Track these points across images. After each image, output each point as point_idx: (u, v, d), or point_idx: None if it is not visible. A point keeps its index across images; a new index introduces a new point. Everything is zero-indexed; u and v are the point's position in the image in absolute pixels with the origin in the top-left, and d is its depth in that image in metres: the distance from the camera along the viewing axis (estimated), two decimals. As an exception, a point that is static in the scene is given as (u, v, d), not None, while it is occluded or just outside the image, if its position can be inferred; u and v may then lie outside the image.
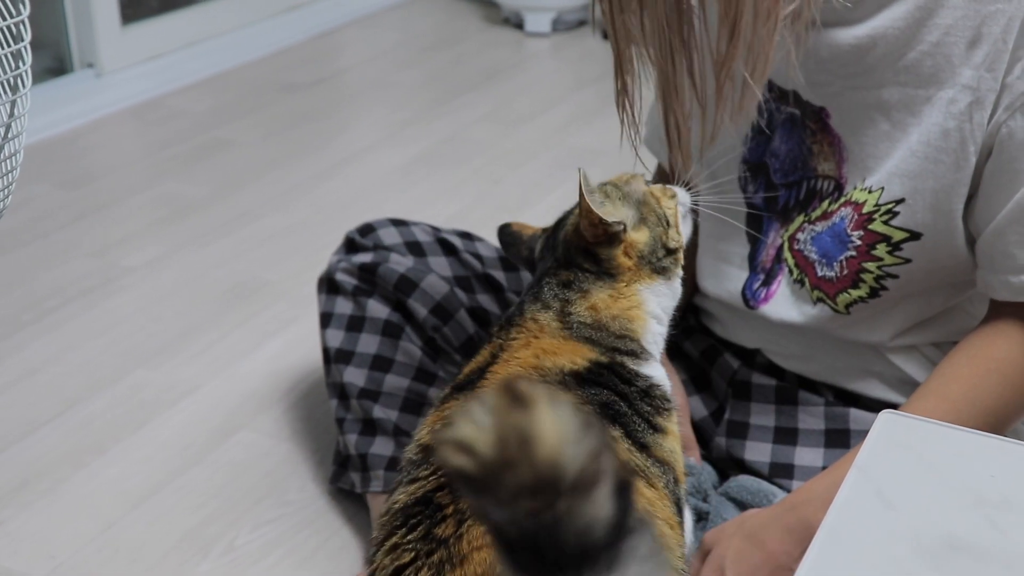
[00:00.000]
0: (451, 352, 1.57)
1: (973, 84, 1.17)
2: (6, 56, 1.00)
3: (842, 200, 1.29)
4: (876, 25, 1.21)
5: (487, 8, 3.99)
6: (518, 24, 3.82)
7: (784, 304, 1.36)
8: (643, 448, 1.12)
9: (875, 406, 1.35)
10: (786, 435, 1.40)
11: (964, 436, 0.88)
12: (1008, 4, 1.15)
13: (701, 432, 1.48)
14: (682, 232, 1.27)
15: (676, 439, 1.17)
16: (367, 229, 1.66)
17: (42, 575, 1.52)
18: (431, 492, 1.03)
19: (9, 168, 1.04)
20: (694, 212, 1.35)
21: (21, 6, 0.99)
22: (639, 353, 1.19)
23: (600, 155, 2.67)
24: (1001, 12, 1.15)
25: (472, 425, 0.59)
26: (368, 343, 1.56)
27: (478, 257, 1.64)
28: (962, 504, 0.80)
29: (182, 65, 3.35)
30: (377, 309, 1.57)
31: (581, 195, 1.17)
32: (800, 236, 1.33)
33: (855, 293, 1.29)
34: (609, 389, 1.14)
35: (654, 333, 1.22)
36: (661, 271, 1.22)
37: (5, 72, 1.00)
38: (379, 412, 1.53)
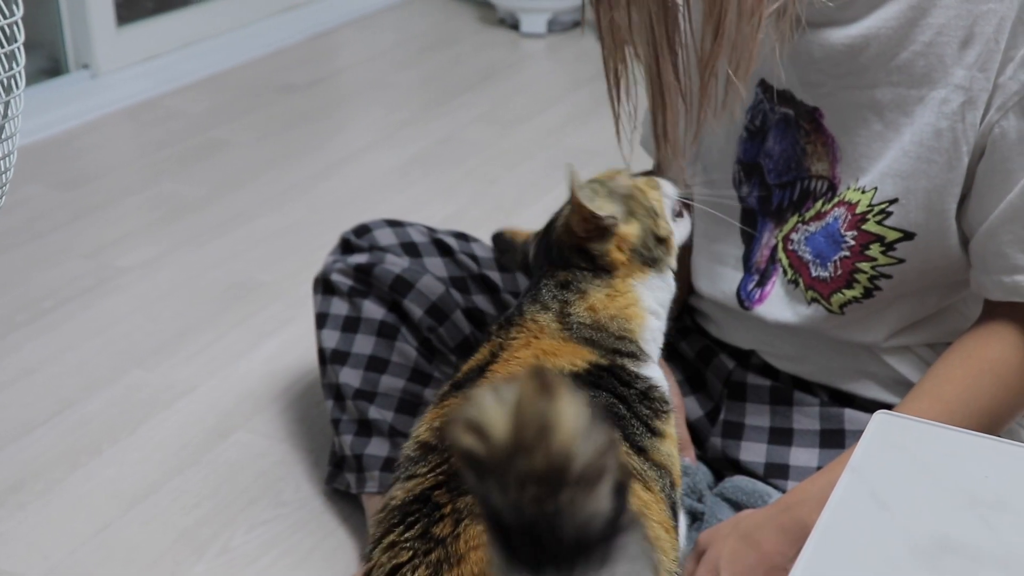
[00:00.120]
0: (447, 353, 1.57)
1: (965, 84, 1.17)
2: (0, 57, 1.00)
3: (835, 200, 1.29)
4: (869, 25, 1.22)
5: (483, 9, 3.99)
6: (514, 25, 3.82)
7: (779, 305, 1.36)
8: (641, 452, 1.12)
9: (870, 407, 1.35)
10: (781, 435, 1.40)
11: (958, 437, 0.88)
12: (1000, 4, 1.15)
13: (696, 432, 1.48)
14: (677, 229, 1.27)
15: (673, 442, 1.17)
16: (363, 230, 1.66)
17: (37, 576, 1.52)
18: (429, 490, 1.02)
19: (3, 169, 1.04)
20: (688, 209, 1.36)
21: (14, 7, 0.99)
22: (638, 355, 1.19)
23: (596, 155, 2.67)
24: (993, 12, 1.15)
25: (487, 408, 0.60)
26: (364, 344, 1.56)
27: (474, 258, 1.64)
28: (956, 505, 0.80)
29: (178, 66, 3.35)
30: (373, 310, 1.57)
31: (572, 191, 1.18)
32: (794, 236, 1.33)
33: (849, 293, 1.29)
34: (608, 392, 1.14)
35: (652, 330, 1.22)
36: (653, 263, 1.22)
37: (-1, 73, 1.00)
38: (375, 413, 1.53)
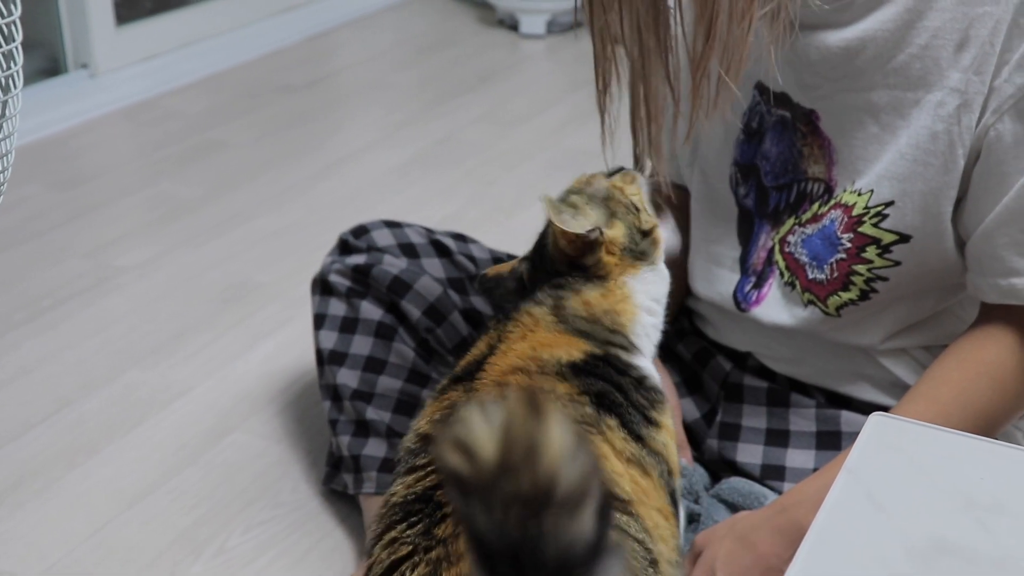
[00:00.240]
0: (444, 354, 1.57)
1: (961, 87, 1.18)
2: (-2, 57, 1.00)
3: (832, 203, 1.29)
4: (865, 28, 1.22)
5: (482, 10, 3.99)
6: (513, 26, 3.83)
7: (775, 307, 1.36)
8: (638, 439, 1.13)
9: (866, 409, 1.35)
10: (777, 437, 1.40)
11: (954, 439, 0.88)
12: (995, 7, 1.15)
13: (693, 434, 1.48)
14: (663, 228, 1.28)
15: (669, 433, 1.18)
16: (361, 231, 1.66)
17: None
18: (431, 489, 1.03)
19: (1, 168, 1.04)
20: (683, 206, 1.37)
21: (12, 7, 0.99)
22: (628, 348, 1.20)
23: (594, 156, 2.65)
24: (988, 15, 1.16)
25: (474, 428, 0.60)
26: (361, 345, 1.56)
27: (471, 259, 1.65)
28: (952, 507, 0.80)
29: (176, 66, 3.35)
30: (370, 311, 1.57)
31: (549, 221, 1.19)
32: (790, 239, 1.33)
33: (845, 295, 1.29)
34: (605, 380, 1.15)
35: (644, 325, 1.22)
36: (642, 256, 1.23)
37: (-3, 73, 1.00)
38: (372, 414, 1.53)
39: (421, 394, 1.54)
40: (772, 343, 1.41)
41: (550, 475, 0.59)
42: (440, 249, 1.64)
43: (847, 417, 1.37)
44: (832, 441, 1.37)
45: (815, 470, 1.35)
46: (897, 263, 1.26)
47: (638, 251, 1.23)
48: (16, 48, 1.00)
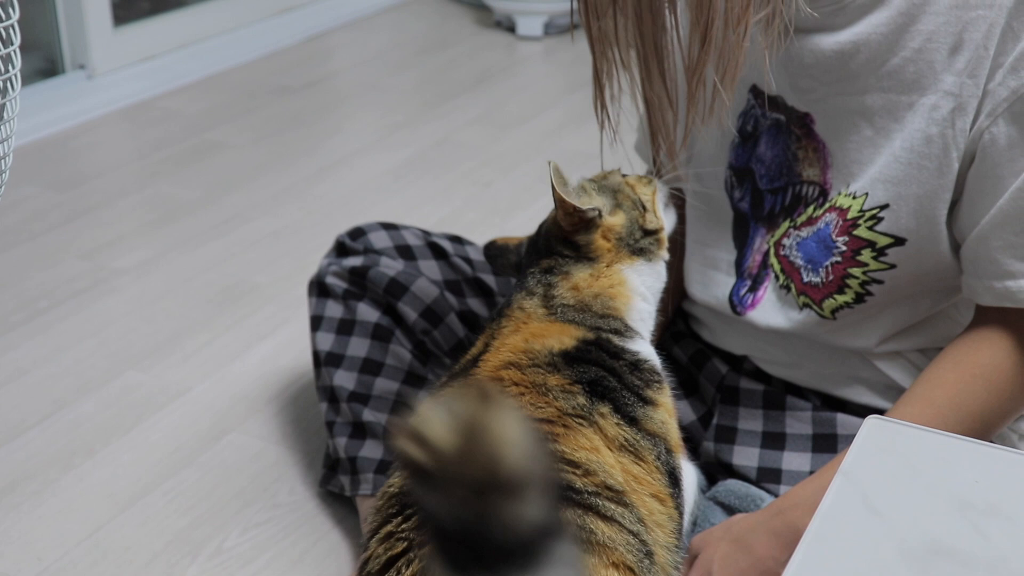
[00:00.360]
0: (441, 356, 1.57)
1: (955, 90, 1.18)
2: (-4, 59, 1.00)
3: (827, 206, 1.30)
4: (859, 31, 1.22)
5: (479, 11, 3.99)
6: (510, 27, 3.83)
7: (771, 310, 1.36)
8: (633, 422, 1.15)
9: (862, 412, 1.35)
10: (774, 440, 1.40)
11: (949, 441, 0.88)
12: (989, 10, 1.16)
13: (690, 436, 1.48)
14: (664, 219, 1.31)
15: (668, 411, 1.20)
16: (357, 233, 1.66)
17: (31, 577, 1.52)
18: None
19: (0, 170, 1.04)
20: (679, 207, 1.38)
21: (11, 10, 0.99)
22: (623, 331, 1.22)
23: (591, 158, 2.66)
24: (982, 18, 1.16)
25: (429, 418, 0.62)
26: (358, 346, 1.56)
27: (468, 261, 1.65)
28: (947, 509, 0.80)
29: (174, 67, 3.35)
30: (367, 312, 1.57)
31: (552, 186, 1.22)
32: (786, 242, 1.34)
33: (841, 298, 1.30)
34: (598, 365, 1.17)
35: (639, 311, 1.26)
36: (640, 252, 1.27)
37: (-5, 75, 1.00)
38: (369, 415, 1.53)
39: (417, 396, 1.55)
40: (768, 346, 1.41)
41: (495, 459, 0.61)
42: (437, 251, 1.65)
43: (843, 420, 1.37)
44: (828, 444, 1.37)
45: (811, 473, 1.35)
46: (892, 266, 1.26)
47: (636, 247, 1.26)
48: (15, 51, 1.00)
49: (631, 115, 1.35)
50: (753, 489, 1.37)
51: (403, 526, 1.01)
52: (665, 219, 1.32)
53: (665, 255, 1.30)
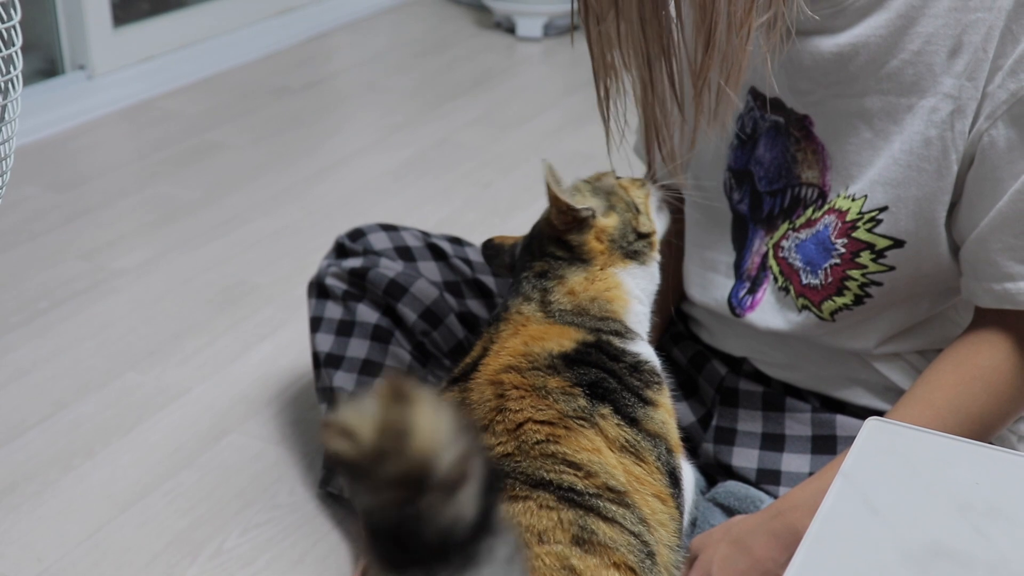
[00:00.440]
0: (440, 357, 1.57)
1: (954, 93, 1.18)
2: (-3, 61, 1.00)
3: (826, 208, 1.30)
4: (858, 34, 1.22)
5: (479, 12, 3.99)
6: (509, 28, 3.83)
7: (770, 312, 1.36)
8: (633, 423, 1.16)
9: (860, 413, 1.36)
10: (773, 441, 1.40)
11: (950, 443, 0.88)
12: (988, 13, 1.16)
13: (689, 438, 1.48)
14: (656, 223, 1.32)
15: (668, 411, 1.21)
16: (357, 234, 1.66)
17: (30, 578, 1.52)
18: None
19: (1, 171, 1.04)
20: (678, 209, 1.38)
21: (12, 11, 0.99)
22: (623, 332, 1.23)
23: (590, 159, 2.67)
24: (981, 21, 1.16)
25: (356, 413, 0.62)
26: (358, 348, 1.56)
27: (467, 262, 1.65)
28: (947, 511, 0.80)
29: (173, 68, 3.35)
30: (367, 314, 1.57)
31: (547, 185, 1.22)
32: (784, 244, 1.34)
33: (840, 300, 1.30)
34: (598, 367, 1.18)
35: (636, 313, 1.27)
36: (634, 255, 1.27)
37: (-4, 76, 1.00)
38: (368, 416, 1.53)
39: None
40: (767, 348, 1.42)
41: (422, 458, 0.61)
42: (436, 252, 1.65)
43: (842, 421, 1.37)
44: (827, 445, 1.37)
45: (810, 474, 1.35)
46: (891, 268, 1.26)
47: (630, 250, 1.27)
48: (16, 52, 1.00)
49: (634, 116, 1.35)
50: (752, 491, 1.37)
51: None
52: (657, 223, 1.33)
53: (657, 257, 1.31)
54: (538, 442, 1.10)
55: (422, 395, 0.62)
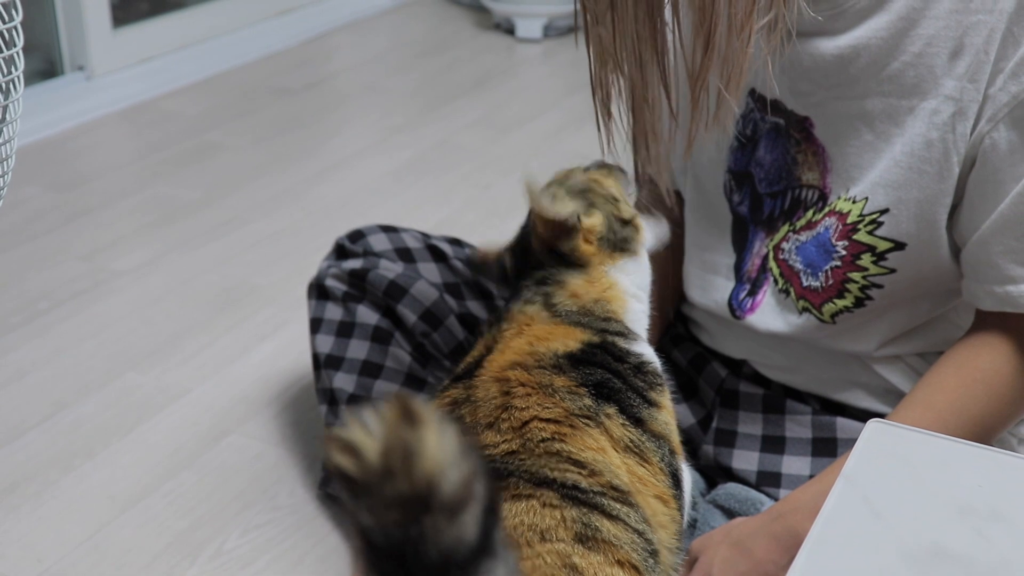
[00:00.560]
0: (440, 358, 1.57)
1: (956, 95, 1.18)
2: (-1, 62, 1.00)
3: (826, 210, 1.30)
4: (859, 35, 1.22)
5: (478, 14, 3.99)
6: (509, 30, 3.83)
7: (770, 314, 1.36)
8: (638, 423, 1.16)
9: (861, 416, 1.36)
10: (773, 443, 1.40)
11: (951, 446, 0.88)
12: (989, 15, 1.16)
13: (689, 440, 1.48)
14: (649, 227, 1.32)
15: (670, 413, 1.22)
16: (357, 235, 1.66)
17: (30, 579, 1.52)
18: None
19: (1, 172, 1.04)
20: (676, 211, 1.39)
21: (14, 12, 0.99)
22: (626, 334, 1.23)
23: (590, 160, 2.67)
24: (983, 23, 1.16)
25: (363, 430, 0.62)
26: (358, 349, 1.56)
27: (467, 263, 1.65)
28: (949, 513, 0.80)
29: (173, 68, 3.35)
30: (367, 315, 1.57)
31: (530, 200, 1.23)
32: (785, 246, 1.34)
33: (840, 303, 1.30)
34: (603, 368, 1.18)
35: (635, 312, 1.27)
36: (623, 246, 1.27)
37: (-3, 77, 1.00)
38: (368, 418, 1.53)
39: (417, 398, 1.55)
40: (767, 350, 1.42)
41: (427, 480, 0.61)
42: (436, 254, 1.65)
43: (843, 423, 1.37)
44: (828, 448, 1.37)
45: (811, 477, 1.35)
46: (892, 270, 1.26)
47: (618, 240, 1.27)
48: (17, 53, 1.00)
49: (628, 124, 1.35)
50: (753, 493, 1.37)
51: None
52: (650, 227, 1.33)
53: (644, 241, 1.30)
54: (543, 440, 1.10)
55: (430, 416, 0.62)
